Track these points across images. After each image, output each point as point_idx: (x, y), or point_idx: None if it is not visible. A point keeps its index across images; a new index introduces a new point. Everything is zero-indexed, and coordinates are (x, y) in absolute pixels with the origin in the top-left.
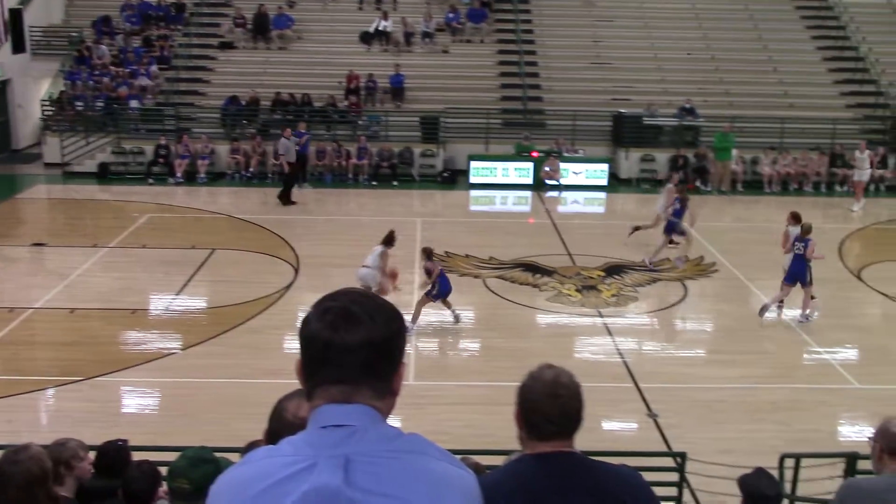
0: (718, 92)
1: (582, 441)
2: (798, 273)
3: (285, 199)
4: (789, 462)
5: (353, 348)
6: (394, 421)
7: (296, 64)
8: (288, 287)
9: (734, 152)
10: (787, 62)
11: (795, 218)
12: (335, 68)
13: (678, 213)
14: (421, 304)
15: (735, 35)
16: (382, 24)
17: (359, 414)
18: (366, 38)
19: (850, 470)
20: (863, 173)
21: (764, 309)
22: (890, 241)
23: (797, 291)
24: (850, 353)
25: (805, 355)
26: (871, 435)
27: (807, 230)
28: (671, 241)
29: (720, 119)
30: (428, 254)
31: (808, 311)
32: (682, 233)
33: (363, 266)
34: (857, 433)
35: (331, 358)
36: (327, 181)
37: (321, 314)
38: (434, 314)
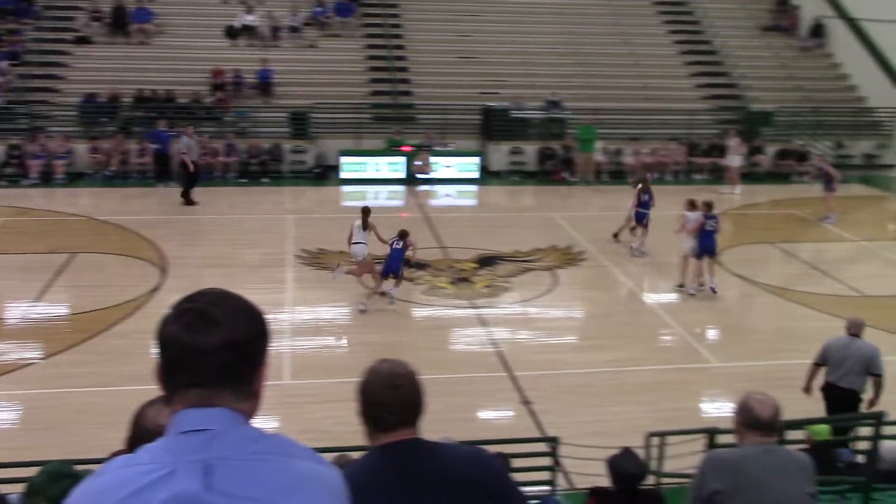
0: (582, 85)
1: (459, 430)
2: (709, 247)
3: (187, 198)
4: (655, 440)
5: (210, 351)
6: (269, 422)
7: (158, 59)
8: (155, 290)
9: (597, 144)
10: (646, 56)
11: (692, 204)
12: (199, 63)
13: (646, 205)
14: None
15: (597, 30)
16: (247, 19)
17: (219, 417)
18: (230, 32)
19: (711, 444)
20: (734, 159)
21: (683, 287)
22: (744, 226)
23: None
24: (710, 334)
25: (668, 337)
26: (732, 410)
27: (711, 206)
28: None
29: (585, 111)
30: (402, 235)
31: (713, 279)
32: (646, 224)
33: (356, 243)
34: (717, 409)
35: (187, 361)
36: None
37: (178, 316)
38: (308, 312)
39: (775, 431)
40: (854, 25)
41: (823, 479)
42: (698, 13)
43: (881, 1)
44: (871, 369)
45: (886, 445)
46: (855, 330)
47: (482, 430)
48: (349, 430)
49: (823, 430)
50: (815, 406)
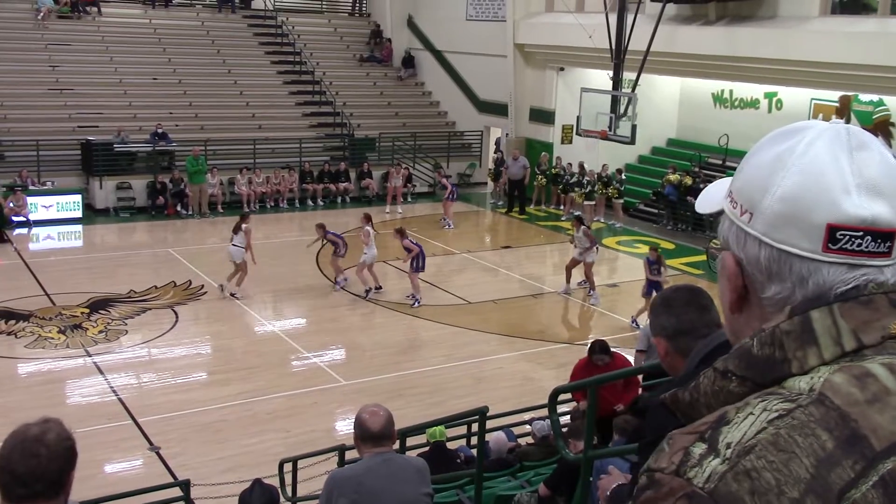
0: (189, 116)
1: (82, 490)
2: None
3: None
4: (288, 467)
5: None
6: None
7: None
8: None
9: (208, 175)
10: (251, 86)
11: (367, 218)
12: None
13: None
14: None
15: (200, 60)
16: None
17: None
18: None
19: (342, 461)
20: (397, 179)
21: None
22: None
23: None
24: (336, 354)
25: (296, 362)
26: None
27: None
28: None
29: (193, 143)
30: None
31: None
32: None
33: (232, 245)
34: (347, 426)
35: None
36: None
37: None
38: None
39: (390, 440)
40: (440, 57)
41: (443, 477)
42: (298, 45)
43: (459, 35)
44: None
45: (492, 437)
46: None
47: (107, 486)
48: None
49: (437, 432)
50: (437, 409)
